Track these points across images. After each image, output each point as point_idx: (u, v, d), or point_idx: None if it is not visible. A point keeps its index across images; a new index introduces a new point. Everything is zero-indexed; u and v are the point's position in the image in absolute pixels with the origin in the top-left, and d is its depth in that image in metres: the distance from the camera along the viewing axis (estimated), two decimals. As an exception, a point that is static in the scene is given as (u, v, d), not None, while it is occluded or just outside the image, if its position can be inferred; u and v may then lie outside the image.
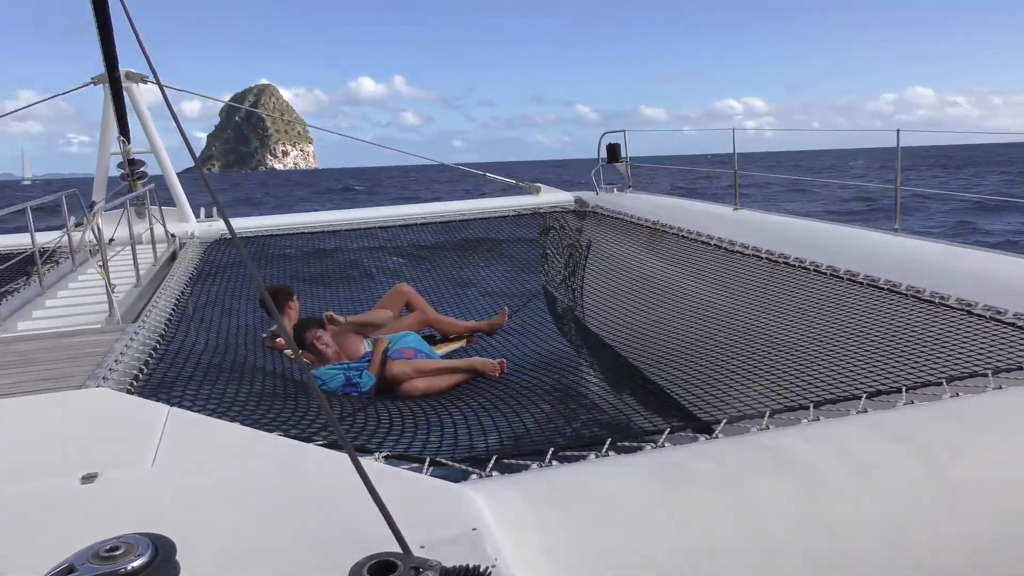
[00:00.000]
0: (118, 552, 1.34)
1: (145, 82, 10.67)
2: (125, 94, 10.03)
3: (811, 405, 3.34)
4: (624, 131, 11.03)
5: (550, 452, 2.83)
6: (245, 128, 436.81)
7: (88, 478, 2.48)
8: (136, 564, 1.31)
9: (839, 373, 4.20)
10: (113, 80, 9.75)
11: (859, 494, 2.59)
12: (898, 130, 6.29)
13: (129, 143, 10.08)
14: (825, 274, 5.84)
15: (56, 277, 7.48)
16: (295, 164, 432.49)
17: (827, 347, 4.79)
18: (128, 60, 9.66)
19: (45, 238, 7.96)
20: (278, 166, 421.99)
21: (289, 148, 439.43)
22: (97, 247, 6.39)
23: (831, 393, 3.79)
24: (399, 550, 1.80)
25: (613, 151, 10.86)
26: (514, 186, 12.17)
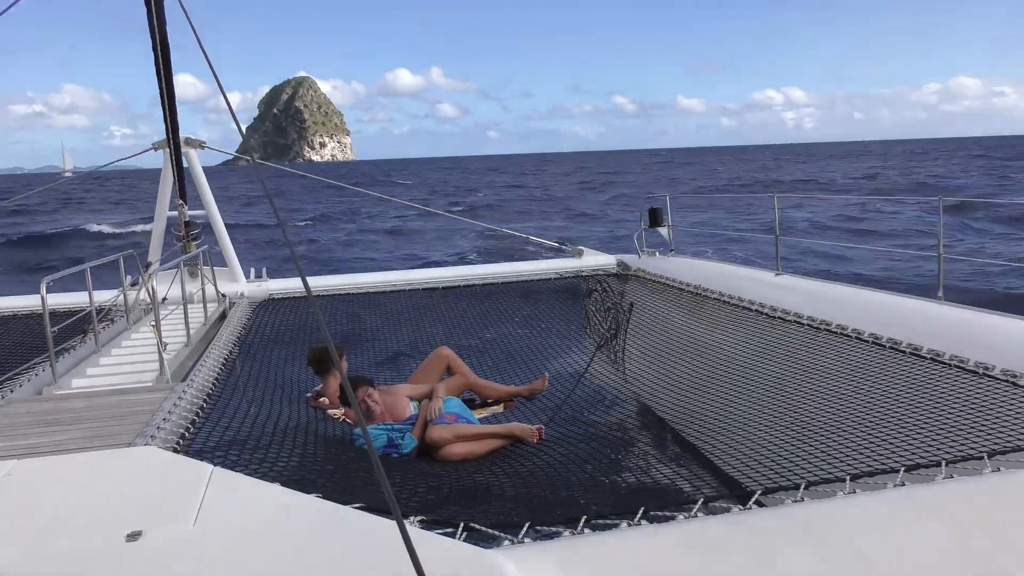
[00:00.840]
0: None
1: (202, 147, 11.11)
2: (184, 159, 10.46)
3: (847, 477, 3.31)
4: (667, 195, 11.13)
5: (582, 520, 2.85)
6: (283, 120, 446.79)
7: (133, 536, 2.57)
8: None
9: (878, 444, 4.15)
10: (174, 146, 10.20)
11: (894, 571, 2.56)
12: (940, 198, 6.26)
13: (186, 205, 10.47)
14: (867, 342, 5.79)
15: (111, 335, 7.72)
16: (332, 156, 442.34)
17: (867, 417, 4.74)
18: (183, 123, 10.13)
19: (102, 297, 8.24)
20: (315, 158, 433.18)
21: (326, 140, 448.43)
22: (151, 306, 6.62)
23: (869, 465, 3.74)
24: None
25: (655, 215, 10.94)
26: (557, 248, 12.31)
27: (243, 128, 3.00)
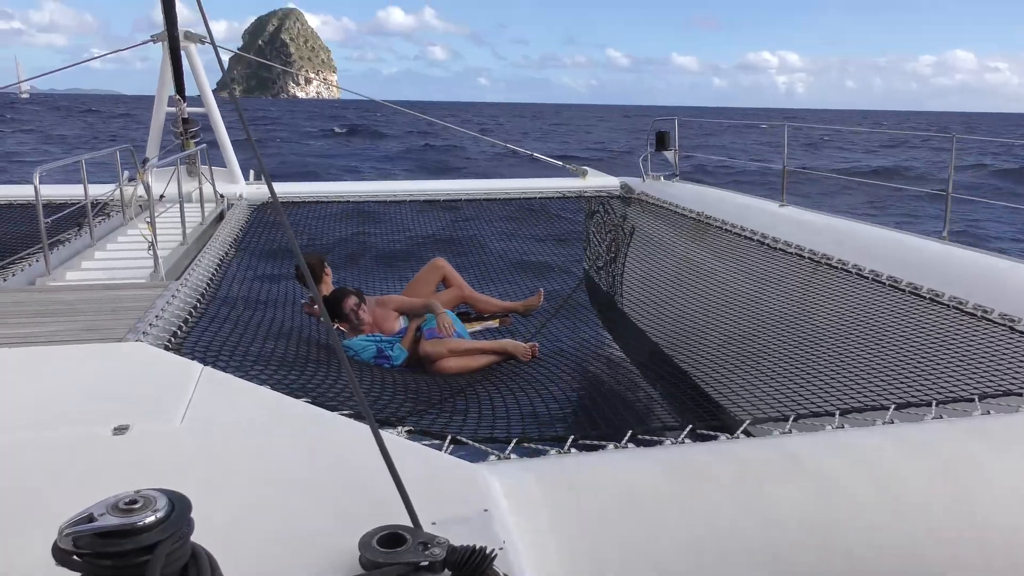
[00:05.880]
0: (136, 505, 1.38)
1: (203, 43, 10.82)
2: (183, 53, 10.20)
3: (837, 412, 3.31)
4: (675, 117, 10.92)
5: (570, 439, 2.86)
6: (268, 53, 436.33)
7: (120, 429, 2.56)
8: (151, 519, 1.35)
9: (871, 381, 4.15)
10: (172, 39, 9.93)
11: (876, 506, 2.57)
12: (953, 136, 6.14)
13: (184, 102, 10.26)
14: (867, 278, 5.75)
15: (106, 230, 7.66)
16: (317, 93, 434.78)
17: (862, 353, 4.73)
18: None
19: (98, 191, 8.14)
20: (300, 94, 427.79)
21: (312, 76, 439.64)
22: (147, 202, 6.54)
23: (860, 401, 3.74)
24: (411, 524, 1.84)
25: (662, 138, 10.75)
26: (560, 167, 12.15)
27: (224, 61, 2.88)
